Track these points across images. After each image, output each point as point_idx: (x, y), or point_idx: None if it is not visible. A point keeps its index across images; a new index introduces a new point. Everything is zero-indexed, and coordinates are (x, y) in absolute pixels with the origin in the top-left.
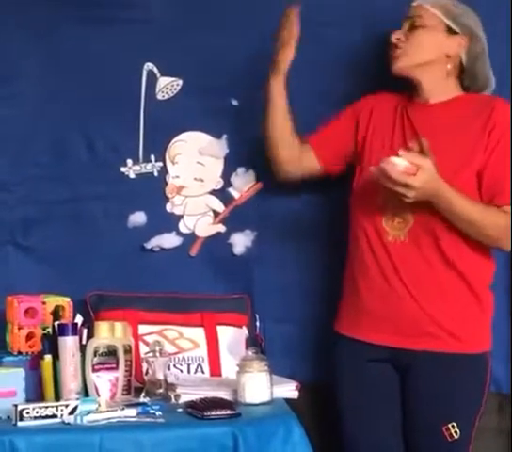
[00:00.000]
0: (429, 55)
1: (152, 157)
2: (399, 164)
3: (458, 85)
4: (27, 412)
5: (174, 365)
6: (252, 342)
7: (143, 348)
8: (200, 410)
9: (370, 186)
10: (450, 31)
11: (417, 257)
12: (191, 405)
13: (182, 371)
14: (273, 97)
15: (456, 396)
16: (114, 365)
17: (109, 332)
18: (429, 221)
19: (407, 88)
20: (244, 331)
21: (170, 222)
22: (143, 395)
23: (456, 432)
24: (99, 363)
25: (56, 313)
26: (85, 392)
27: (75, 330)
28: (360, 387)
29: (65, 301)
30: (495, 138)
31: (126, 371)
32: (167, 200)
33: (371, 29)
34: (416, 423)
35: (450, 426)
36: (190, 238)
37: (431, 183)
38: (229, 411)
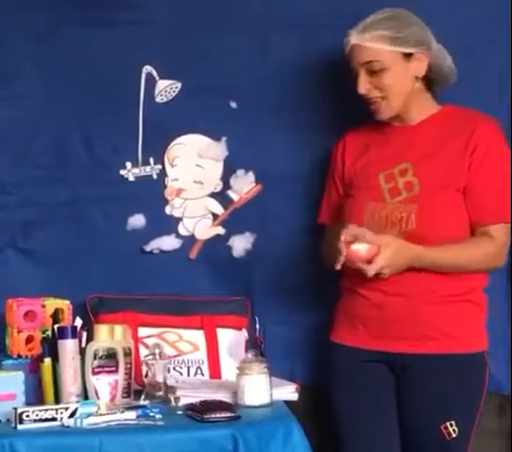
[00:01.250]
0: (404, 91)
1: (152, 160)
2: (360, 249)
3: (430, 95)
4: (27, 416)
5: (174, 368)
6: (252, 344)
7: (143, 351)
8: (199, 412)
9: (360, 210)
10: (406, 56)
11: (410, 275)
12: (191, 407)
13: (181, 374)
14: None
15: (453, 395)
16: (114, 368)
17: (109, 335)
18: (418, 242)
19: None
20: (243, 334)
21: (170, 225)
22: (143, 397)
23: (454, 431)
24: (99, 366)
25: (56, 316)
26: (84, 395)
27: (75, 332)
28: (355, 387)
29: (65, 304)
30: (478, 158)
31: (126, 374)
32: (166, 202)
33: None
34: (414, 422)
35: (448, 424)
36: (189, 241)
37: (400, 254)
38: (228, 414)
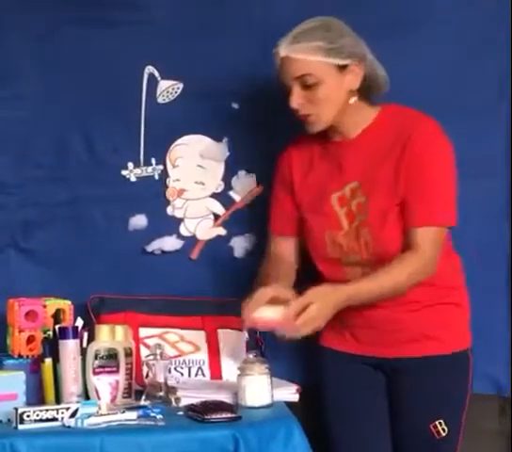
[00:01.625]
0: (338, 104)
1: (153, 160)
2: (271, 316)
3: (365, 105)
4: (28, 416)
5: (175, 368)
6: (253, 345)
7: (144, 351)
8: (200, 413)
9: (320, 239)
10: (341, 68)
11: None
12: (191, 408)
13: (182, 374)
14: None
15: (440, 394)
16: (115, 368)
17: (110, 335)
18: (382, 257)
19: None
20: (244, 335)
21: (171, 225)
22: (144, 398)
23: (443, 430)
24: (99, 367)
25: (57, 316)
26: (85, 395)
27: (76, 333)
28: (345, 389)
29: (66, 304)
30: (411, 165)
31: (127, 374)
32: (167, 203)
33: None
34: (404, 422)
35: (437, 423)
36: (191, 241)
37: (331, 304)
38: (229, 415)
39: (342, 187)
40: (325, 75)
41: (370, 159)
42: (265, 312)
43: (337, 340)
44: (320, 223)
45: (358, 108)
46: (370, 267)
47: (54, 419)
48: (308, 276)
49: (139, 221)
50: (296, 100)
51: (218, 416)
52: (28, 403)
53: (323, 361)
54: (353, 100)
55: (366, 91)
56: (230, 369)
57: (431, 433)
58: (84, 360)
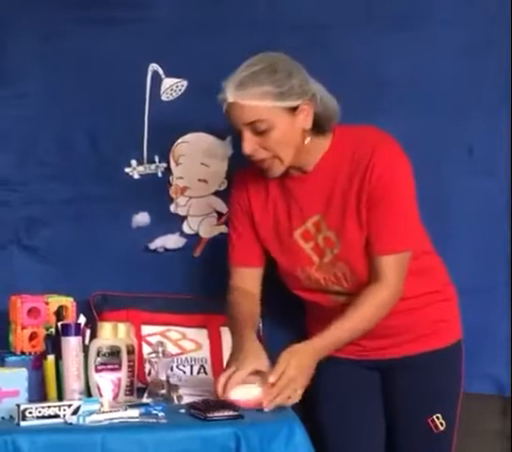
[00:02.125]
0: (293, 146)
1: (157, 158)
2: (250, 394)
3: (318, 138)
4: (30, 412)
5: (177, 366)
6: None
7: (146, 349)
8: (202, 411)
9: (293, 275)
10: (291, 109)
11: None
12: (193, 406)
13: (184, 372)
14: None
15: (437, 388)
16: (117, 366)
17: (112, 333)
18: (364, 277)
19: None
20: None
21: (174, 223)
22: (146, 395)
23: (441, 424)
24: (102, 364)
25: (60, 313)
26: (87, 392)
27: (78, 330)
28: (340, 390)
29: (68, 301)
30: (370, 192)
31: (129, 372)
32: (171, 200)
33: None
34: (401, 418)
35: (435, 417)
36: (194, 239)
37: (304, 363)
38: (231, 413)
39: (303, 223)
40: (276, 119)
41: (329, 191)
42: (240, 393)
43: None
44: (290, 261)
45: (313, 144)
46: (355, 294)
47: (56, 416)
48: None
49: (142, 219)
50: (249, 146)
51: (220, 414)
52: (30, 400)
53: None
54: (308, 139)
55: (319, 127)
56: None
57: (429, 427)
58: (86, 357)
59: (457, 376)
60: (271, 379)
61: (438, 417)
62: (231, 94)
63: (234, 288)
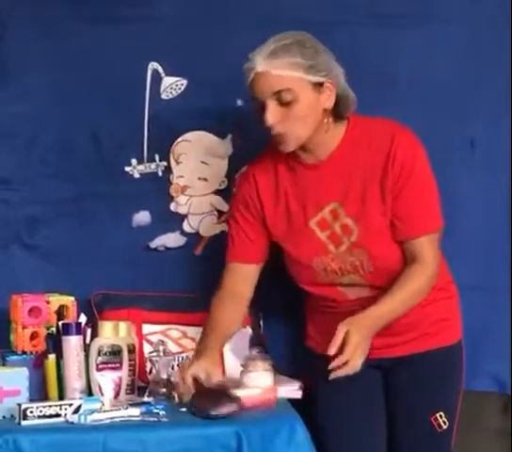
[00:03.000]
0: (313, 123)
1: (157, 157)
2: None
3: (335, 124)
4: (31, 412)
5: (178, 365)
6: (256, 341)
7: (147, 348)
8: (202, 409)
9: (307, 267)
10: (317, 86)
11: (386, 283)
12: (193, 404)
13: None
14: None
15: (440, 386)
16: (118, 365)
17: (113, 332)
18: (383, 276)
19: None
20: (247, 331)
21: (175, 222)
22: (147, 394)
23: (444, 422)
24: (103, 363)
25: (61, 312)
26: (88, 391)
27: (79, 329)
28: (341, 392)
29: (69, 301)
30: (397, 177)
31: (130, 370)
32: (171, 199)
33: None
34: (404, 416)
35: (438, 415)
36: (194, 238)
37: (365, 330)
38: (233, 409)
39: (319, 210)
40: (302, 92)
41: (347, 179)
42: (239, 394)
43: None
44: (305, 252)
45: (328, 128)
46: (368, 286)
47: (57, 415)
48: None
49: (143, 218)
50: (272, 117)
51: (222, 411)
52: (31, 399)
53: (317, 366)
54: (326, 120)
55: (337, 111)
56: (233, 366)
57: (432, 426)
58: (87, 356)
59: (459, 374)
60: (331, 351)
61: (441, 415)
62: (261, 63)
63: (224, 288)
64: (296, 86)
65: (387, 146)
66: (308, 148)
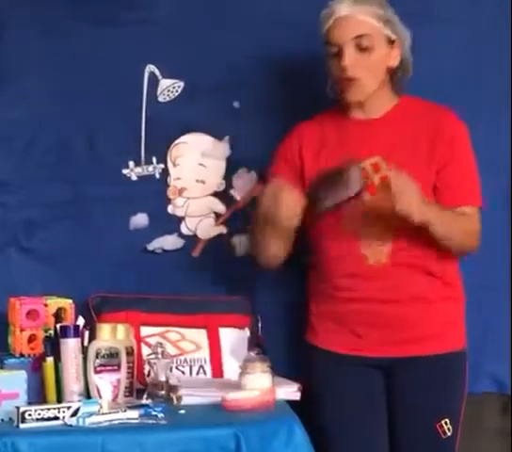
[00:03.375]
0: (380, 76)
1: (154, 159)
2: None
3: (391, 89)
4: (29, 415)
5: (176, 367)
6: (254, 343)
7: (145, 350)
8: None
9: (336, 218)
10: (389, 42)
11: (400, 274)
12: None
13: (184, 373)
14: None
15: (445, 393)
16: (116, 367)
17: (111, 334)
18: (408, 238)
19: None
20: (246, 333)
21: (172, 224)
22: (145, 396)
23: (448, 429)
24: (101, 365)
25: (59, 315)
26: (87, 394)
27: (77, 332)
28: (343, 392)
29: (67, 303)
30: (448, 147)
31: (128, 373)
32: (168, 201)
33: None
34: (407, 421)
35: (443, 422)
36: (192, 240)
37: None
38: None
39: (361, 162)
40: (378, 43)
41: (396, 138)
42: (238, 395)
43: (336, 342)
44: None
45: (387, 89)
46: (390, 248)
47: (55, 418)
48: None
49: (140, 220)
50: (349, 59)
51: None
52: (30, 402)
53: (319, 363)
54: (388, 79)
55: (397, 74)
56: (231, 368)
57: (437, 433)
58: (85, 359)
59: (462, 380)
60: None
61: (445, 422)
62: (345, 8)
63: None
64: (375, 35)
65: (438, 120)
66: (364, 105)
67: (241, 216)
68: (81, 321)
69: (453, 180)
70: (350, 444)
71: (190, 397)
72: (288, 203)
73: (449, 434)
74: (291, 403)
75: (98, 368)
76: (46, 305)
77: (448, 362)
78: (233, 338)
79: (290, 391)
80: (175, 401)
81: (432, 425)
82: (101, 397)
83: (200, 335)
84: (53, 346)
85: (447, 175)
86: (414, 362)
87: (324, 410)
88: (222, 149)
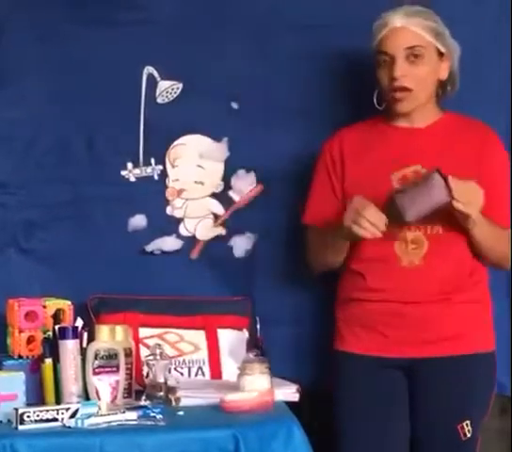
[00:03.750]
0: (429, 90)
1: (153, 160)
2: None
3: (436, 103)
4: (28, 416)
5: (175, 368)
6: (253, 344)
7: (144, 352)
8: None
9: None
10: (440, 55)
11: (432, 278)
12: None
13: (182, 374)
14: (343, 246)
15: (469, 395)
16: (115, 369)
17: (110, 336)
18: (443, 243)
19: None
20: (244, 334)
21: (171, 225)
22: (144, 398)
23: (469, 431)
24: (99, 367)
25: (57, 316)
26: (85, 395)
27: (76, 333)
28: (367, 396)
29: (66, 305)
30: (489, 163)
31: (127, 374)
32: (167, 203)
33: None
34: (428, 422)
35: (464, 424)
36: (190, 241)
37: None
38: None
39: (404, 167)
40: (429, 55)
41: (437, 149)
42: (237, 397)
43: (360, 343)
44: (376, 201)
45: (433, 101)
46: (425, 253)
47: (54, 419)
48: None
49: (139, 221)
50: (401, 70)
51: None
52: (28, 403)
53: (342, 365)
54: (436, 92)
55: (445, 87)
56: (230, 369)
57: (457, 434)
58: (84, 360)
59: (491, 385)
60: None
61: (467, 424)
62: (399, 20)
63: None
64: (427, 47)
65: (484, 138)
66: (411, 114)
67: (239, 217)
68: (80, 322)
69: (496, 200)
70: (373, 445)
71: (189, 399)
72: (372, 219)
73: (469, 436)
74: (290, 404)
75: (96, 370)
76: (45, 306)
77: (474, 362)
78: (232, 339)
79: (289, 392)
80: (174, 402)
81: (453, 426)
82: (99, 399)
83: (198, 336)
84: (51, 347)
85: (491, 195)
86: (437, 362)
87: (343, 410)
88: (221, 150)
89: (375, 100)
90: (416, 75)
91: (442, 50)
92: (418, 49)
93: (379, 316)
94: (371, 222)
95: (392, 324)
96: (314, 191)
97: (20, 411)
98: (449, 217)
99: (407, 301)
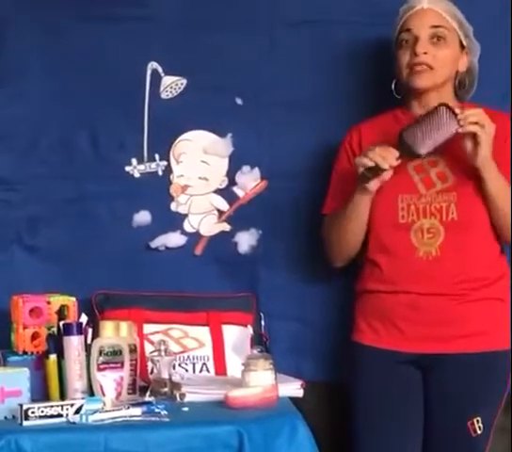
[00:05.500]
0: (449, 73)
1: (157, 156)
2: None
3: (455, 93)
4: (33, 412)
5: (179, 364)
6: (257, 340)
7: (148, 348)
8: None
9: (392, 203)
10: (461, 45)
11: (449, 269)
12: None
13: (187, 370)
14: (361, 212)
15: (482, 391)
16: (119, 365)
17: (114, 332)
18: (459, 232)
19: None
20: (249, 330)
21: (175, 221)
22: (148, 394)
23: (479, 427)
24: (104, 363)
25: (61, 312)
26: (90, 391)
27: (80, 329)
28: (383, 389)
29: (70, 301)
30: (502, 149)
31: (131, 370)
32: (171, 199)
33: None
34: (440, 417)
35: (475, 420)
36: (195, 237)
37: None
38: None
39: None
40: (451, 39)
41: (457, 138)
42: (239, 392)
43: (376, 337)
44: (392, 188)
45: (451, 91)
46: (441, 242)
47: (58, 415)
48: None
49: (143, 217)
50: (423, 47)
51: None
52: (33, 399)
53: (358, 357)
54: (454, 83)
55: (463, 82)
56: (234, 365)
57: (467, 430)
58: (88, 356)
59: (504, 383)
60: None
61: (477, 420)
62: (427, 3)
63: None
64: (451, 30)
65: (496, 120)
66: (428, 104)
67: (244, 213)
68: (84, 319)
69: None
70: (388, 439)
71: (193, 395)
72: (382, 153)
73: (479, 433)
74: (294, 400)
75: (101, 366)
76: (49, 303)
77: (487, 360)
78: (237, 335)
79: (293, 388)
80: (178, 398)
81: (464, 422)
82: (104, 395)
83: (203, 333)
84: (56, 343)
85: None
86: (455, 359)
87: (360, 405)
88: (225, 146)
89: (393, 88)
90: (437, 56)
91: (464, 42)
92: (442, 30)
93: (396, 308)
94: (381, 155)
95: (409, 318)
96: (334, 182)
97: (24, 406)
98: (462, 203)
99: (421, 293)
